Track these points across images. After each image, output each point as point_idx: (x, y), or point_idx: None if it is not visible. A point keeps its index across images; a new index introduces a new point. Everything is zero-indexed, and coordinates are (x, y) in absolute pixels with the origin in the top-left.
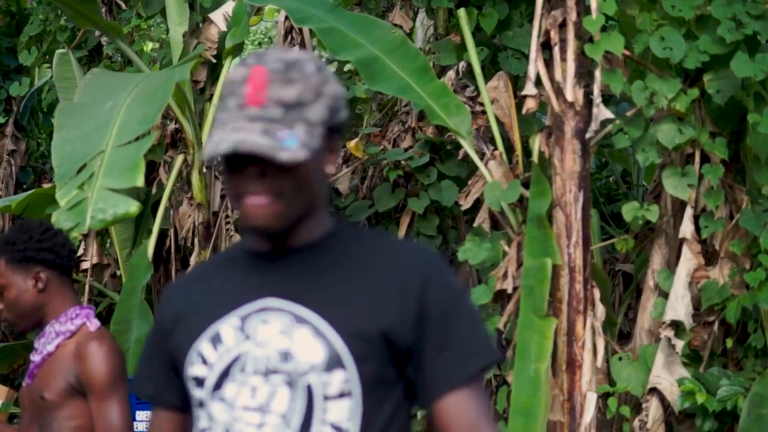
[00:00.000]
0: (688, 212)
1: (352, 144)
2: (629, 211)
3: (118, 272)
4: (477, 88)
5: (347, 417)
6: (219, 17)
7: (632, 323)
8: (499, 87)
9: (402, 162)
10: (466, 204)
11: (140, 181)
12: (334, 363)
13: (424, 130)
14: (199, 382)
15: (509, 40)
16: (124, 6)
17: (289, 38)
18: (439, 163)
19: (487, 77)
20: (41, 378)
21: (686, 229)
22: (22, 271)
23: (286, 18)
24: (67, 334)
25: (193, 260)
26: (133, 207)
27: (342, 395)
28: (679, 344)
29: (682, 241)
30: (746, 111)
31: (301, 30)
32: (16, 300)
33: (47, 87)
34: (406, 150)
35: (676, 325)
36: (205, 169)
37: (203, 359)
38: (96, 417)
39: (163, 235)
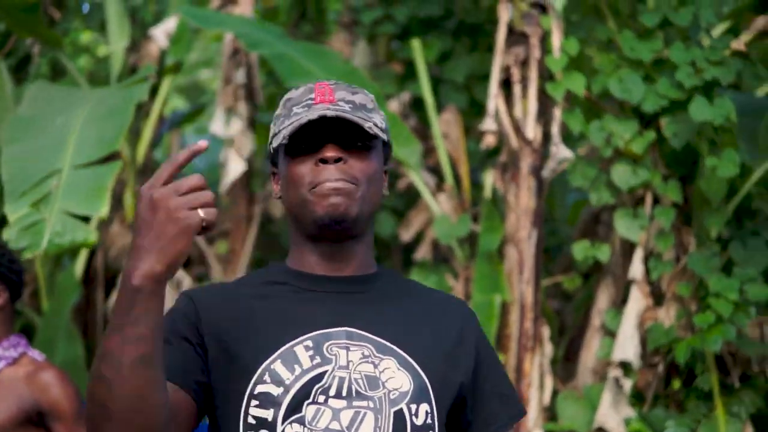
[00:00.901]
0: (639, 254)
1: None
2: (580, 250)
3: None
4: (422, 120)
5: None
6: (160, 33)
7: (568, 361)
8: (449, 120)
9: None
10: (408, 236)
11: (104, 212)
12: (421, 395)
13: None
14: (269, 402)
15: (450, 71)
16: (59, 16)
17: (234, 61)
18: None
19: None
20: None
21: (636, 270)
22: None
23: (232, 40)
24: (10, 360)
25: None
26: (92, 236)
27: (426, 427)
28: (627, 384)
29: (629, 281)
30: (697, 155)
31: (246, 54)
32: None
33: None
34: None
35: (624, 366)
36: (139, 188)
37: (277, 379)
38: None
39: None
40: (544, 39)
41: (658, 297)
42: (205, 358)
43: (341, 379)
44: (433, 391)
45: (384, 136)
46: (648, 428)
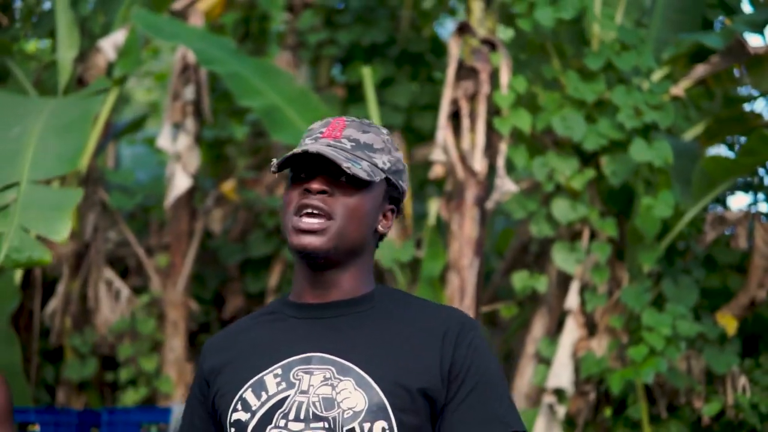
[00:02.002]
0: (575, 286)
1: (226, 186)
2: (519, 279)
3: None
4: None
5: None
6: (108, 45)
7: None
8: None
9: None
10: None
11: (64, 238)
12: (375, 412)
13: None
14: (240, 427)
15: (392, 96)
16: (5, 23)
17: (184, 77)
18: None
19: None
20: None
21: (572, 301)
22: None
23: (183, 57)
24: None
25: (60, 289)
26: (47, 257)
27: None
28: (561, 410)
29: (564, 311)
30: (633, 193)
31: (196, 70)
32: None
33: None
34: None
35: (558, 393)
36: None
37: (245, 405)
38: None
39: None
40: (493, 75)
41: (591, 328)
42: (216, 409)
43: (300, 403)
44: (392, 408)
45: (367, 177)
46: None
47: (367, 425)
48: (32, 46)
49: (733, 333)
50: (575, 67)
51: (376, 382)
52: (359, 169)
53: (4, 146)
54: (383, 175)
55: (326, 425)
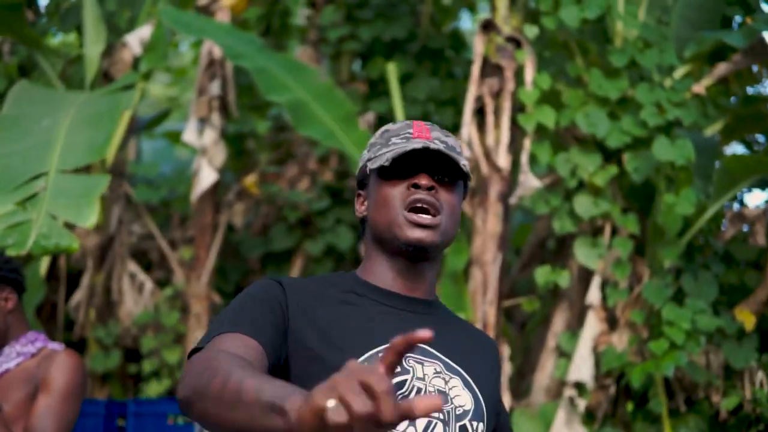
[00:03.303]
0: (596, 281)
1: (248, 180)
2: (542, 274)
3: None
4: None
5: None
6: (134, 40)
7: (518, 379)
8: None
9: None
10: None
11: (92, 224)
12: (479, 414)
13: (323, 175)
14: None
15: (412, 90)
16: (32, 17)
17: (210, 72)
18: (338, 209)
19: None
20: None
21: (593, 296)
22: None
23: (209, 52)
24: (28, 356)
25: (84, 282)
26: (75, 244)
27: None
28: (581, 404)
29: (585, 306)
30: (655, 190)
31: (222, 65)
32: None
33: None
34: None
35: (579, 386)
36: (106, 192)
37: None
38: (34, 417)
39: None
40: (518, 72)
41: (612, 322)
42: (284, 343)
43: (419, 389)
44: (486, 414)
45: (469, 175)
46: None
47: (474, 424)
48: (59, 41)
49: (751, 328)
50: (598, 64)
51: (477, 387)
52: (466, 167)
53: (34, 138)
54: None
55: (441, 416)
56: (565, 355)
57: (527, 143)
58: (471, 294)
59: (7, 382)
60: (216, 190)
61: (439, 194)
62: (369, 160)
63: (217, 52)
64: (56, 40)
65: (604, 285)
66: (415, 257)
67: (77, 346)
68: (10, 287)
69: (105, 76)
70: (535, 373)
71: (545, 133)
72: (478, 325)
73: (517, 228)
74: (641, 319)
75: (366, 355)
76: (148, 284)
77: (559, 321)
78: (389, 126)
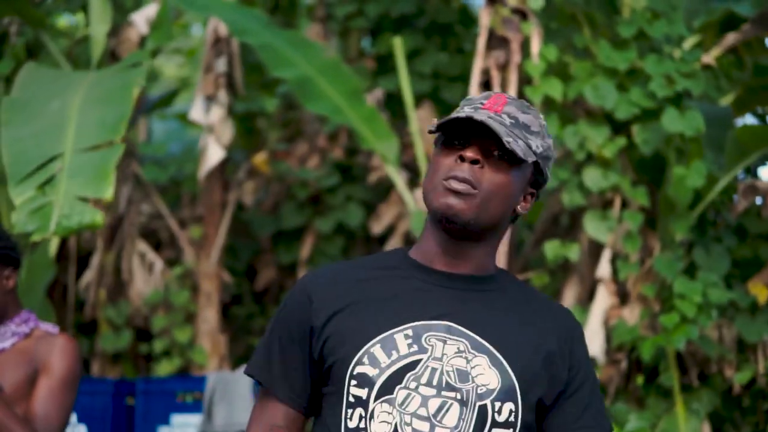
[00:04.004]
0: (606, 254)
1: (258, 159)
2: (551, 248)
3: None
4: (395, 116)
5: None
6: (140, 19)
7: None
8: (425, 116)
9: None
10: (379, 229)
11: (109, 194)
12: (507, 394)
13: (332, 152)
14: (364, 381)
15: (420, 65)
16: None
17: (216, 49)
18: (348, 186)
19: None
20: None
21: (603, 270)
22: None
23: (215, 29)
24: (22, 336)
25: (94, 262)
26: (98, 217)
27: (507, 425)
28: None
29: (595, 280)
30: (665, 163)
31: (228, 42)
32: None
33: None
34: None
35: None
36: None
37: (374, 361)
38: (37, 401)
39: None
40: (524, 44)
41: (622, 296)
42: (311, 348)
43: (433, 370)
44: (520, 392)
45: (522, 156)
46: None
47: (498, 404)
48: (64, 21)
49: (764, 302)
50: (606, 36)
51: (508, 364)
52: (516, 146)
53: (45, 120)
54: (534, 158)
55: (458, 396)
56: None
57: None
58: None
59: (2, 362)
60: (224, 168)
61: (484, 170)
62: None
63: (223, 29)
64: (63, 20)
65: (614, 259)
66: (454, 232)
67: (88, 326)
68: (12, 266)
69: (112, 56)
70: None
71: (553, 106)
72: None
73: None
74: (652, 292)
75: (387, 333)
76: (158, 263)
77: (570, 295)
78: (472, 96)
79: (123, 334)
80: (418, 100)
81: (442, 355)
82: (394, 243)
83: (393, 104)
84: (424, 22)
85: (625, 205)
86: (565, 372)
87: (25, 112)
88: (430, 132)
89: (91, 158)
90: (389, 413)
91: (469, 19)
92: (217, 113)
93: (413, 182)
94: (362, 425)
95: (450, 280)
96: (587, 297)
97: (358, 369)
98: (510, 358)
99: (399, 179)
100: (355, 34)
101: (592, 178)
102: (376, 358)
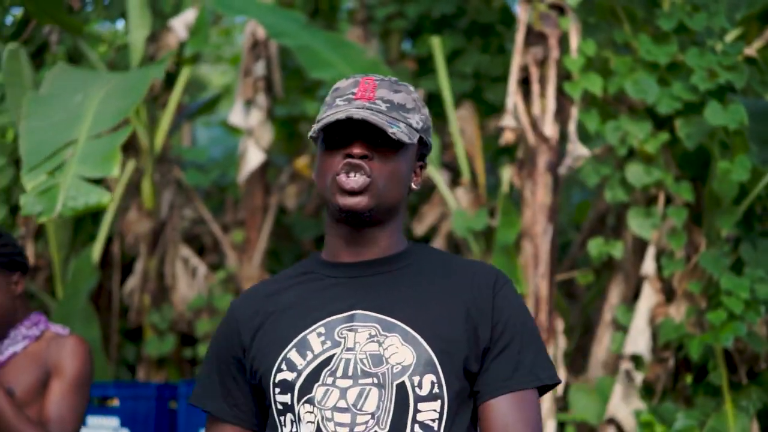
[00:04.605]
0: (651, 251)
1: (300, 163)
2: (595, 246)
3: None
4: (435, 116)
5: (436, 417)
6: (179, 25)
7: (578, 354)
8: (465, 116)
9: None
10: (422, 230)
11: (115, 171)
12: (424, 366)
13: None
14: (286, 387)
15: (462, 65)
16: (76, 4)
17: (255, 53)
18: None
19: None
20: (7, 375)
21: (648, 267)
22: (4, 277)
23: (253, 33)
24: (33, 338)
25: (138, 268)
26: (105, 197)
27: (432, 396)
28: (638, 377)
29: (641, 278)
30: (709, 157)
31: (266, 46)
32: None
33: None
34: None
35: (635, 359)
36: (157, 176)
37: (291, 365)
38: (51, 403)
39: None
40: (562, 40)
41: (668, 293)
42: (252, 372)
43: (347, 361)
44: (439, 363)
45: (408, 140)
46: (658, 421)
47: (416, 378)
48: (104, 29)
49: None
50: (646, 29)
51: (422, 337)
52: (401, 132)
53: (67, 111)
54: (418, 136)
55: (375, 381)
56: (621, 328)
57: (574, 112)
58: (522, 268)
59: (14, 366)
60: (265, 171)
61: (375, 161)
62: (317, 121)
63: (261, 33)
64: (101, 27)
65: (659, 256)
66: (355, 223)
67: (135, 333)
68: (20, 271)
69: (151, 62)
70: (592, 347)
71: (593, 101)
72: (530, 300)
73: (577, 205)
74: (699, 289)
75: (300, 335)
76: (201, 268)
77: (615, 294)
78: (340, 83)
79: (167, 339)
80: (459, 100)
81: (355, 344)
82: (437, 244)
83: (433, 105)
84: (464, 23)
85: (669, 201)
86: (488, 330)
87: (47, 106)
88: (312, 138)
89: (100, 142)
90: (311, 412)
91: (510, 19)
92: (256, 117)
93: (455, 182)
94: (294, 429)
95: (356, 269)
96: (632, 296)
97: (279, 376)
98: (423, 331)
99: (440, 179)
100: (396, 36)
101: (635, 173)
102: (292, 362)
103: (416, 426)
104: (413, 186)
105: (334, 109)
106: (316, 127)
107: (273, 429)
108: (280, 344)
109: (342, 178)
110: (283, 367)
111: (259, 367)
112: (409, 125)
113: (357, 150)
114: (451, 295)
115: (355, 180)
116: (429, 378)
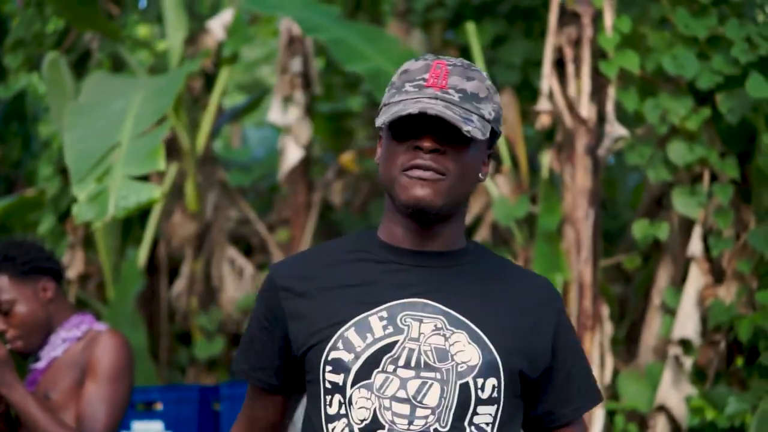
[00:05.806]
0: (697, 231)
1: (345, 158)
2: (639, 228)
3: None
4: None
5: (490, 421)
6: (216, 26)
7: (629, 340)
8: (505, 103)
9: None
10: (467, 220)
11: (162, 165)
12: (489, 370)
13: None
14: (340, 367)
15: (505, 53)
16: (115, 11)
17: (291, 50)
18: None
19: None
20: (47, 380)
21: (695, 247)
22: (30, 284)
23: (288, 29)
24: (74, 340)
25: (184, 271)
26: (156, 193)
27: (491, 401)
28: (688, 362)
29: (688, 259)
30: (755, 131)
31: (302, 42)
32: (28, 315)
33: (28, 93)
34: None
35: (684, 343)
36: (200, 178)
37: (348, 345)
38: (83, 401)
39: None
40: (596, 18)
41: (718, 274)
42: (286, 338)
43: (411, 350)
44: (502, 367)
45: (482, 136)
46: (709, 406)
47: (480, 381)
48: (142, 32)
49: None
50: (684, 3)
51: (489, 339)
52: (475, 129)
53: (108, 118)
54: (490, 128)
55: (438, 376)
56: (670, 312)
57: (611, 91)
58: (565, 254)
59: (55, 371)
60: (307, 168)
61: (446, 155)
62: (384, 105)
63: (296, 29)
64: (140, 32)
65: (706, 235)
66: (420, 219)
67: (186, 336)
68: (48, 276)
69: None
70: (642, 333)
71: (630, 79)
72: (573, 286)
73: (633, 188)
74: (749, 268)
75: (361, 316)
76: (248, 269)
77: (663, 276)
78: (409, 65)
79: (216, 340)
80: (503, 88)
81: (419, 334)
82: (482, 233)
83: None
84: (505, 8)
85: (714, 178)
86: (549, 344)
87: (89, 115)
88: (379, 128)
89: (143, 140)
90: (368, 398)
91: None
92: (294, 113)
93: (496, 170)
94: (342, 411)
95: (421, 258)
96: (681, 278)
97: (333, 354)
98: (490, 332)
99: None
100: (438, 26)
101: (677, 152)
102: (350, 342)
103: (472, 428)
104: (481, 177)
105: (403, 95)
106: (384, 118)
107: (314, 402)
108: (336, 321)
109: (410, 173)
110: (339, 345)
111: (306, 339)
112: (482, 117)
113: (428, 144)
114: (515, 302)
115: (424, 177)
116: (491, 382)
